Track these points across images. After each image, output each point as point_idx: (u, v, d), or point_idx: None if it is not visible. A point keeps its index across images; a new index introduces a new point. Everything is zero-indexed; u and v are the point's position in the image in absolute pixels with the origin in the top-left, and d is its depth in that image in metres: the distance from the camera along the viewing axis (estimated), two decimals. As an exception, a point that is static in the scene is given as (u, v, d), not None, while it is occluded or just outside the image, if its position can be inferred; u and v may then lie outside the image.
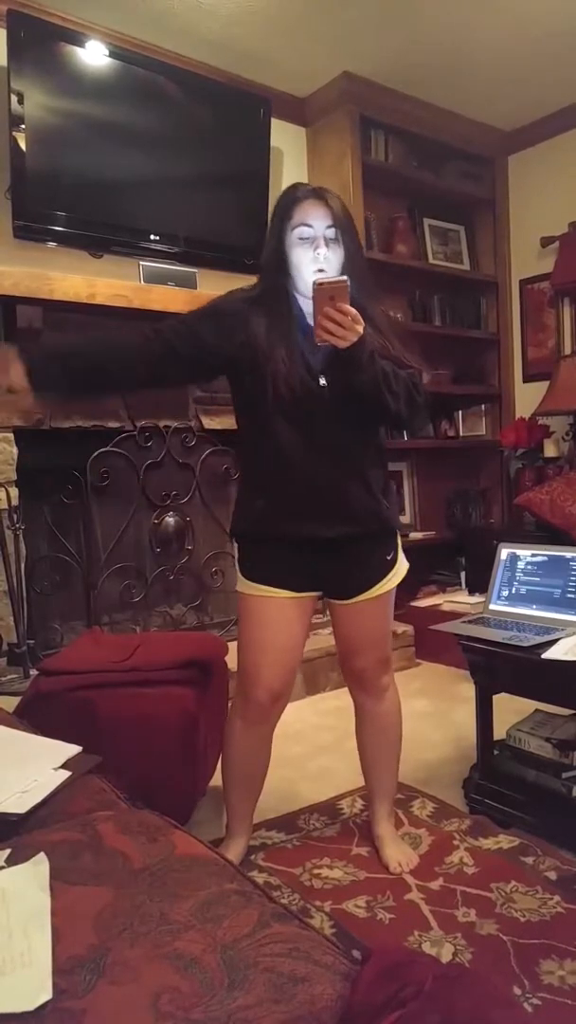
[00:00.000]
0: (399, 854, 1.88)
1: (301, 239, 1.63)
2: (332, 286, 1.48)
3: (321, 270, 1.61)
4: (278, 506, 1.68)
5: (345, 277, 1.52)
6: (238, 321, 1.65)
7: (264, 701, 1.78)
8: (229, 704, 1.92)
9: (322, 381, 1.63)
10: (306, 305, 1.64)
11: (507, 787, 2.06)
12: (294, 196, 1.66)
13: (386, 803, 1.94)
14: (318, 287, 1.48)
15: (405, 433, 1.77)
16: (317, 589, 1.78)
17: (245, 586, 1.75)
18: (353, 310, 1.49)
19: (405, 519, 4.36)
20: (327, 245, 1.63)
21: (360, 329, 1.52)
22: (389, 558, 1.78)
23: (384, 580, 1.77)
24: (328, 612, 1.88)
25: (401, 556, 1.82)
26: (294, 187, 1.69)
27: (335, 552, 1.70)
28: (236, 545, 1.80)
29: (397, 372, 1.64)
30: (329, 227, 1.63)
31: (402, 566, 1.82)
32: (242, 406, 1.75)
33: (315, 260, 1.62)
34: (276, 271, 1.68)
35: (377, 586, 1.76)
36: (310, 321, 1.59)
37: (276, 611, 1.73)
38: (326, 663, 3.20)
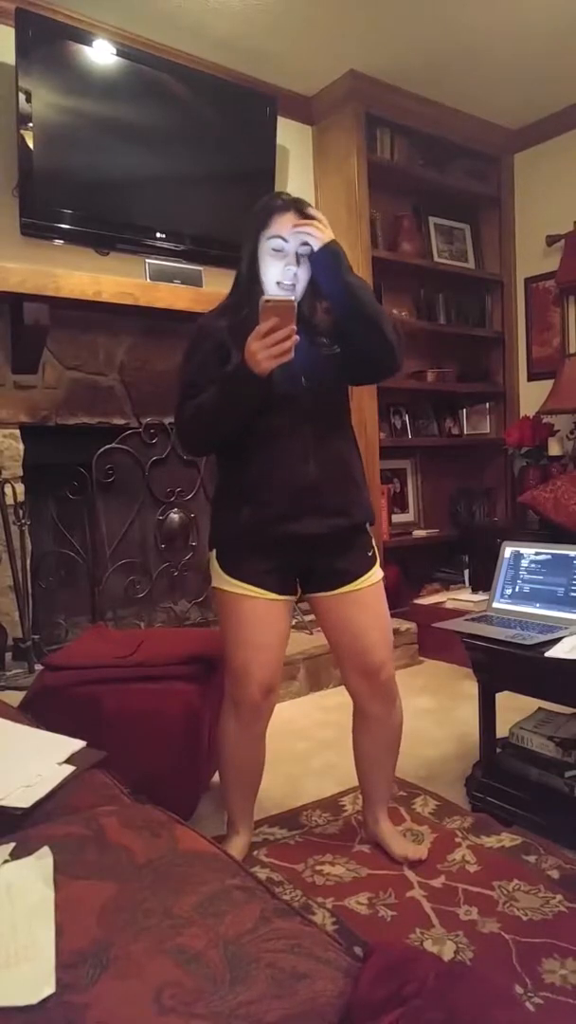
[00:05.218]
0: (411, 847, 1.88)
1: (274, 250, 1.66)
2: (279, 304, 1.51)
3: (292, 286, 1.66)
4: (267, 511, 1.68)
5: (292, 297, 1.56)
6: (225, 349, 1.67)
7: (257, 698, 1.78)
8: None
9: (304, 381, 1.68)
10: None
11: (510, 785, 2.06)
12: (273, 206, 1.68)
13: (384, 806, 1.95)
14: (264, 304, 1.51)
15: (383, 375, 1.77)
16: (296, 591, 1.80)
17: (227, 583, 1.75)
18: (292, 329, 1.52)
19: (409, 517, 4.37)
20: (298, 262, 1.67)
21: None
22: (370, 554, 1.81)
23: (370, 571, 1.79)
24: (318, 615, 1.85)
25: (377, 559, 1.84)
26: (275, 195, 1.71)
27: (323, 545, 1.73)
28: (215, 552, 1.79)
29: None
30: (303, 244, 1.66)
31: (378, 568, 1.83)
32: None
33: (283, 273, 1.66)
34: (249, 278, 1.71)
35: (365, 576, 1.77)
36: None
37: (263, 609, 1.74)
38: (329, 660, 3.20)
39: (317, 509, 1.69)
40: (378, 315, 1.68)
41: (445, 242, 4.32)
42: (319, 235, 1.64)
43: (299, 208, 1.68)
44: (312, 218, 1.67)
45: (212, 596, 1.83)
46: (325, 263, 1.66)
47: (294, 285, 1.67)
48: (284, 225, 1.65)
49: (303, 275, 1.68)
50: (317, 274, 1.69)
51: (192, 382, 1.71)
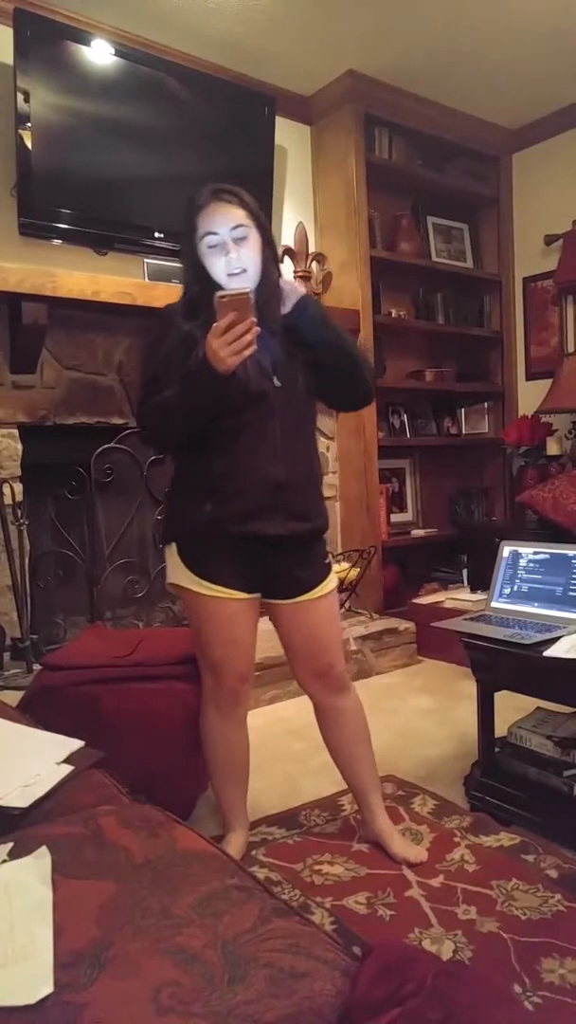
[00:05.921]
0: (411, 849, 1.88)
1: (210, 247, 1.66)
2: (235, 298, 1.50)
3: (243, 271, 1.65)
4: (231, 507, 1.68)
5: (247, 288, 1.56)
6: (192, 339, 1.65)
7: (235, 685, 1.82)
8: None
9: (276, 381, 1.67)
10: None
11: (508, 785, 2.06)
12: (195, 205, 1.67)
13: (377, 797, 1.94)
14: (220, 300, 1.50)
15: (356, 408, 1.86)
16: (260, 591, 1.80)
17: (195, 583, 1.73)
18: (252, 322, 1.52)
19: (408, 516, 4.37)
20: (237, 247, 1.65)
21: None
22: (327, 562, 1.84)
23: (327, 580, 1.82)
24: (274, 618, 1.86)
25: (332, 567, 1.87)
26: (197, 193, 1.69)
27: (284, 550, 1.73)
28: (175, 546, 1.76)
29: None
30: (235, 227, 1.64)
31: (334, 575, 1.86)
32: None
33: (228, 265, 1.65)
34: (196, 283, 1.70)
35: (322, 584, 1.80)
36: None
37: (233, 608, 1.74)
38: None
39: (281, 510, 1.70)
40: (358, 362, 1.75)
41: (444, 242, 4.33)
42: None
43: (219, 196, 1.66)
44: (235, 195, 1.67)
45: (178, 594, 1.81)
46: (303, 310, 1.70)
47: (245, 270, 1.65)
48: (210, 219, 1.64)
49: (248, 257, 1.65)
50: (298, 324, 1.70)
51: (156, 377, 1.69)
